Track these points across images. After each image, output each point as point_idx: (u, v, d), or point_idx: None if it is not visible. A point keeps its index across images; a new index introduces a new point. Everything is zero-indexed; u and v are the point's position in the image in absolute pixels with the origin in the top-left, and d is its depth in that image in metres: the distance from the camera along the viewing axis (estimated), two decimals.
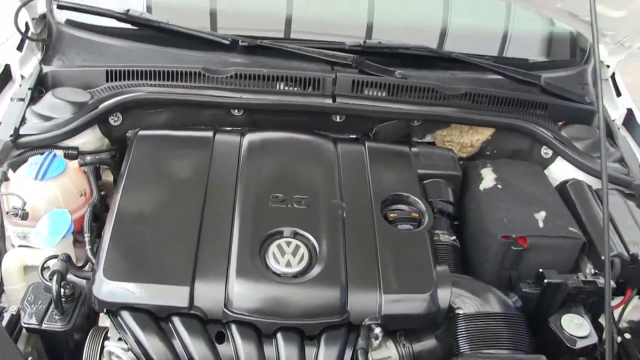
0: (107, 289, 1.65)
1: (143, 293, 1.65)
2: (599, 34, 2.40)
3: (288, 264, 1.72)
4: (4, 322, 1.66)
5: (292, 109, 2.30)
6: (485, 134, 2.40)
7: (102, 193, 2.13)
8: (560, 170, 2.34)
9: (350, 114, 2.32)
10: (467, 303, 1.80)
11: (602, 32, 2.41)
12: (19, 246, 1.90)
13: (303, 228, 1.82)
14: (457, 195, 2.22)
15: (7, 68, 2.34)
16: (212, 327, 1.66)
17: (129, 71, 2.25)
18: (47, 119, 2.12)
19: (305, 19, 2.74)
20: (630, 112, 2.60)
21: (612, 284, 1.90)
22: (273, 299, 1.67)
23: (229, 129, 2.25)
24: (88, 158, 2.09)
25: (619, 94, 2.63)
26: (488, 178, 2.20)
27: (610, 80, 2.66)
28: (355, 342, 1.67)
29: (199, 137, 2.15)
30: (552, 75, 2.55)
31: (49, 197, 1.91)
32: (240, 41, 2.39)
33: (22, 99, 2.16)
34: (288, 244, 1.78)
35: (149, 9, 2.68)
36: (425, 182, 2.17)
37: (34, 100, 2.19)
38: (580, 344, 1.78)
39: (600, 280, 1.87)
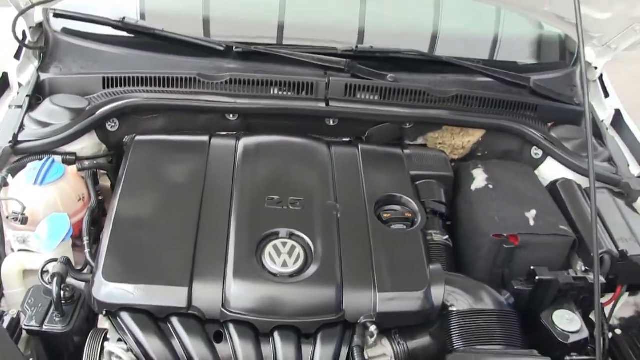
0: (107, 290, 1.68)
1: (142, 294, 1.67)
2: (586, 36, 2.46)
3: (284, 264, 1.75)
4: (4, 326, 1.69)
5: (286, 113, 2.33)
6: (476, 135, 2.44)
7: (100, 198, 2.15)
8: (551, 170, 2.38)
9: (344, 117, 2.36)
10: (460, 300, 1.83)
11: (589, 34, 2.45)
12: (19, 250, 1.92)
13: (298, 229, 1.85)
14: (449, 195, 2.25)
15: (4, 76, 2.38)
16: (210, 326, 1.68)
17: (125, 78, 2.29)
18: (45, 125, 2.15)
19: (298, 26, 2.78)
20: (618, 113, 2.64)
21: (602, 280, 1.92)
22: (270, 298, 1.69)
23: (224, 133, 2.28)
24: (86, 163, 2.13)
25: (607, 95, 2.68)
26: (479, 178, 2.24)
27: (598, 81, 2.70)
28: (351, 340, 1.69)
29: (195, 141, 2.18)
30: (541, 77, 2.60)
31: (48, 202, 1.94)
32: (234, 47, 2.43)
33: (20, 106, 2.20)
34: (284, 244, 1.80)
35: (142, 16, 2.72)
36: (417, 183, 2.20)
37: (31, 107, 2.22)
38: (571, 339, 1.81)
39: (591, 277, 1.89)
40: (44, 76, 2.34)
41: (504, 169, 2.32)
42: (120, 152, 2.22)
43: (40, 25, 2.44)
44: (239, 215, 1.88)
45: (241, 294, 1.69)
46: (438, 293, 1.78)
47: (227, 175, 2.02)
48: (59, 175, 1.97)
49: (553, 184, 2.29)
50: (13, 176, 1.99)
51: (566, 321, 1.83)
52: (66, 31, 2.50)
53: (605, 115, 2.63)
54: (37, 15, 2.40)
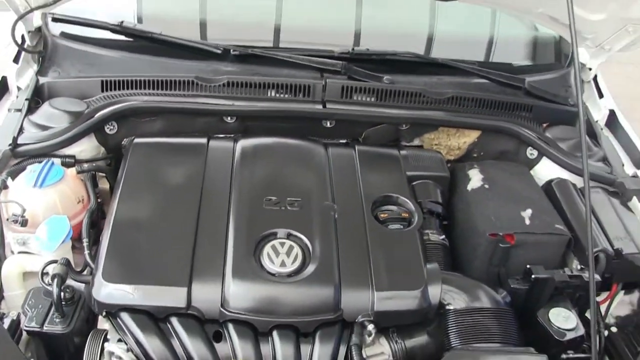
0: (106, 291, 1.69)
1: (141, 294, 1.68)
2: (580, 37, 2.48)
3: (282, 264, 1.77)
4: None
5: (283, 115, 2.35)
6: (471, 136, 2.46)
7: (99, 200, 2.16)
8: (546, 170, 2.40)
9: (340, 119, 2.38)
10: (457, 299, 1.85)
11: (583, 35, 2.48)
12: (19, 252, 1.93)
13: (296, 229, 1.87)
14: (445, 195, 2.27)
15: (3, 80, 2.39)
16: (209, 326, 1.69)
17: (123, 81, 2.31)
18: (45, 128, 2.17)
19: (294, 28, 2.80)
20: (612, 113, 2.67)
21: (598, 277, 1.95)
22: (268, 298, 1.71)
23: (222, 135, 2.29)
24: (85, 166, 2.14)
25: (601, 95, 2.70)
26: (475, 178, 2.26)
27: (592, 82, 2.72)
28: (349, 339, 1.70)
29: (194, 143, 2.19)
30: (536, 78, 2.62)
31: (48, 204, 1.95)
32: (231, 50, 2.45)
33: (20, 110, 2.21)
34: (282, 244, 1.82)
35: (139, 20, 2.74)
36: (414, 183, 2.22)
37: (31, 110, 2.24)
38: (568, 337, 1.82)
39: (586, 275, 1.91)
40: (42, 80, 2.36)
41: (500, 169, 2.34)
42: (119, 154, 2.23)
43: (39, 29, 2.46)
44: (237, 216, 1.89)
45: (240, 293, 1.70)
46: (435, 292, 1.80)
47: (225, 177, 2.04)
48: (58, 178, 1.99)
49: (548, 183, 2.31)
50: (13, 179, 2.00)
51: (562, 319, 1.85)
52: (65, 35, 2.52)
53: (599, 116, 2.65)
54: (36, 19, 2.42)
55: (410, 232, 1.97)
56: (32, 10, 2.27)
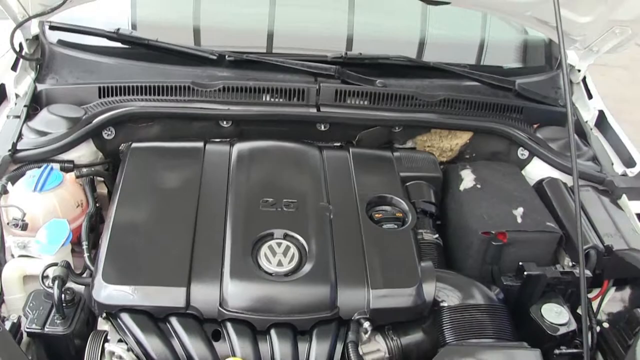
0: (107, 292, 1.72)
1: (141, 295, 1.71)
2: (569, 39, 2.53)
3: (279, 264, 1.80)
4: None
5: (278, 119, 2.39)
6: (463, 138, 2.50)
7: (97, 205, 2.19)
8: (537, 170, 2.44)
9: (334, 122, 2.41)
10: (451, 296, 1.87)
11: (572, 37, 2.53)
12: (19, 256, 1.95)
13: (293, 230, 1.90)
14: (438, 196, 2.31)
15: (1, 87, 2.42)
16: (208, 325, 1.72)
17: (120, 87, 2.34)
18: (43, 134, 2.20)
19: (287, 34, 2.83)
20: (601, 114, 2.71)
21: (589, 273, 1.98)
22: (266, 297, 1.74)
23: (218, 140, 2.32)
24: (84, 170, 2.17)
25: (590, 96, 2.75)
26: (468, 179, 2.30)
27: (581, 83, 2.77)
28: (345, 337, 1.73)
29: (190, 147, 2.23)
30: (526, 80, 2.67)
31: (48, 208, 1.98)
32: (227, 56, 2.49)
33: (18, 116, 2.24)
34: (279, 244, 1.86)
35: (134, 27, 2.76)
36: (407, 184, 2.26)
37: (29, 116, 2.27)
38: (560, 332, 1.86)
39: (578, 271, 1.94)
40: (40, 87, 2.39)
41: (492, 170, 2.37)
42: (117, 159, 2.26)
43: (36, 37, 2.50)
44: (235, 218, 1.93)
45: (238, 293, 1.73)
46: (429, 289, 1.83)
47: (222, 180, 2.07)
48: (57, 182, 2.02)
49: (539, 182, 2.35)
50: (12, 184, 2.03)
51: (554, 314, 1.89)
52: (62, 43, 2.55)
53: (589, 116, 2.70)
54: (34, 27, 2.46)
55: (404, 232, 2.01)
56: (30, 18, 2.30)
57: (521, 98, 2.59)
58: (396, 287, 1.81)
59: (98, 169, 2.25)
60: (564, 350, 1.90)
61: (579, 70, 2.73)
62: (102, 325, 1.77)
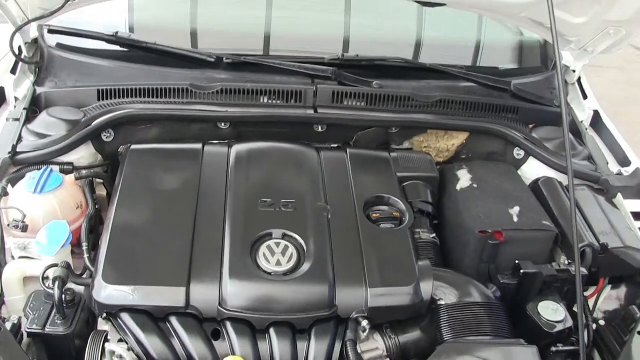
0: (107, 292, 1.73)
1: (141, 295, 1.73)
2: (564, 40, 2.55)
3: (278, 263, 1.82)
4: None
5: (276, 121, 2.41)
6: (460, 138, 2.52)
7: (97, 207, 2.20)
8: (533, 170, 2.46)
9: (332, 123, 2.43)
10: (448, 294, 1.89)
11: (567, 38, 2.55)
12: (19, 257, 1.97)
13: (291, 230, 1.92)
14: (435, 196, 2.33)
15: (1, 91, 2.44)
16: (208, 325, 1.74)
17: (119, 90, 2.36)
18: (43, 136, 2.21)
19: (283, 37, 2.85)
20: (597, 114, 2.74)
21: (584, 271, 1.99)
22: (265, 296, 1.75)
23: (216, 142, 2.34)
24: (84, 172, 2.19)
25: (585, 97, 2.77)
26: (464, 179, 2.31)
27: (577, 84, 2.79)
28: (344, 335, 1.74)
29: (189, 149, 2.24)
30: (521, 81, 2.69)
31: (48, 210, 2.00)
32: (224, 58, 2.50)
33: (18, 119, 2.26)
34: (277, 244, 1.87)
35: (131, 30, 2.78)
36: (404, 184, 2.28)
37: (29, 119, 2.28)
38: (557, 329, 1.87)
39: (574, 269, 1.95)
40: (40, 90, 2.41)
41: (488, 169, 2.40)
42: (116, 162, 2.28)
43: (35, 41, 2.51)
44: (234, 218, 1.94)
45: (237, 292, 1.74)
46: (427, 288, 1.85)
47: (221, 181, 2.09)
48: (57, 184, 2.03)
49: (535, 182, 2.37)
50: (12, 186, 2.05)
51: (551, 311, 1.90)
52: (60, 46, 2.57)
53: (584, 116, 2.72)
54: (33, 31, 2.48)
55: (401, 231, 2.02)
56: (29, 22, 2.31)
57: (517, 99, 2.61)
58: (394, 285, 1.83)
59: (97, 171, 2.27)
60: (560, 347, 1.91)
61: (574, 71, 2.75)
62: (102, 325, 1.78)
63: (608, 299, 2.18)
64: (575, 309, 2.01)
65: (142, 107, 2.33)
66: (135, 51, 2.51)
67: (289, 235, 1.91)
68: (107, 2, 2.50)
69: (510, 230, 2.07)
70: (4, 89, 2.44)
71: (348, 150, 2.33)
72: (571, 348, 1.91)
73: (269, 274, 1.80)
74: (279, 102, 2.43)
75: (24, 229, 1.93)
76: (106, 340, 1.72)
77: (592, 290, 2.15)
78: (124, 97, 2.36)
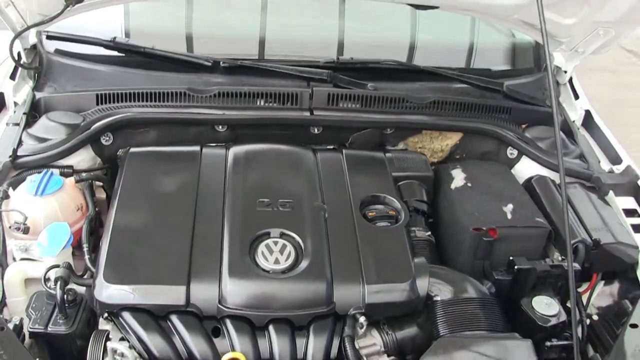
0: (108, 292, 1.75)
1: (142, 294, 1.75)
2: (555, 41, 2.59)
3: (276, 261, 1.84)
4: None
5: (272, 123, 2.44)
6: (454, 138, 2.56)
7: (96, 209, 2.22)
8: (526, 168, 2.50)
9: (327, 125, 2.47)
10: (444, 290, 1.92)
11: (557, 39, 2.59)
12: (21, 259, 2.00)
13: (289, 228, 1.94)
14: (430, 195, 2.36)
15: (0, 96, 2.47)
16: (208, 323, 1.76)
17: (118, 94, 2.39)
18: (43, 140, 2.24)
19: (278, 41, 2.88)
20: (588, 114, 2.78)
21: (577, 266, 2.03)
22: (264, 293, 1.78)
23: (214, 144, 2.36)
24: (84, 175, 2.21)
25: (576, 97, 2.81)
26: (458, 178, 2.35)
27: (568, 84, 2.84)
28: (342, 331, 1.77)
29: (187, 151, 2.28)
30: (514, 82, 2.73)
31: (49, 212, 2.02)
32: (221, 62, 2.54)
33: (17, 124, 2.29)
34: (275, 243, 1.90)
35: (127, 35, 2.81)
36: (399, 183, 2.31)
37: (28, 124, 2.31)
38: (551, 322, 1.90)
39: (567, 264, 1.99)
40: (39, 95, 2.44)
41: (482, 169, 2.43)
42: (115, 165, 2.31)
43: (34, 47, 2.55)
44: (232, 218, 1.97)
45: (236, 290, 1.77)
46: (423, 284, 1.87)
47: (219, 182, 2.12)
48: (58, 187, 2.06)
49: (528, 180, 2.41)
50: (13, 189, 2.07)
51: (545, 306, 1.93)
52: (59, 52, 2.60)
53: (576, 116, 2.77)
54: (32, 37, 2.51)
55: (397, 229, 2.05)
56: (28, 27, 2.34)
57: (509, 99, 2.65)
58: (390, 282, 1.85)
59: (97, 174, 2.29)
60: (555, 342, 1.94)
61: (566, 72, 2.80)
62: (103, 325, 1.80)
63: (601, 295, 2.22)
64: (568, 304, 2.04)
65: (140, 110, 2.36)
66: (133, 56, 2.54)
67: (287, 234, 1.94)
68: (102, 8, 2.53)
69: (504, 227, 2.11)
70: (4, 94, 2.47)
71: (344, 151, 2.36)
72: (565, 343, 1.94)
73: (268, 272, 1.82)
74: (275, 104, 2.47)
75: (25, 231, 1.96)
76: (108, 339, 1.74)
77: (585, 286, 2.19)
78: (122, 101, 2.39)
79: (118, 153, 2.34)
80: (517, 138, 2.52)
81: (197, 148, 2.27)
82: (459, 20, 2.97)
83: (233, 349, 1.72)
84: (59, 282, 1.77)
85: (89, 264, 1.94)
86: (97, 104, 2.39)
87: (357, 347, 1.77)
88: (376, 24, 2.99)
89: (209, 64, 2.52)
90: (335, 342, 1.76)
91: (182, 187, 2.10)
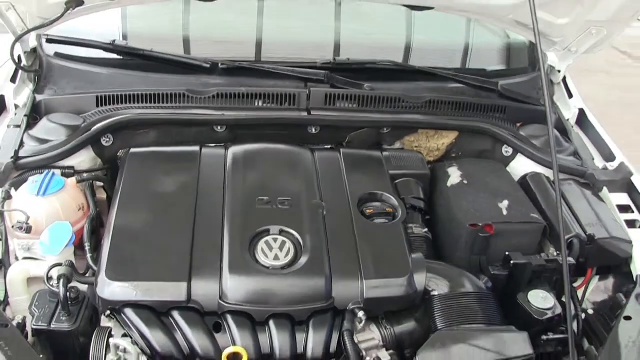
0: (110, 289, 1.78)
1: (144, 291, 1.77)
2: (549, 41, 2.63)
3: (276, 258, 1.87)
4: None
5: (271, 123, 2.47)
6: (450, 137, 2.59)
7: (97, 209, 2.25)
8: (521, 166, 2.53)
9: (325, 124, 2.50)
10: (441, 285, 1.94)
11: (551, 39, 2.62)
12: (23, 258, 2.02)
13: (288, 226, 1.97)
14: (426, 192, 2.39)
15: (1, 99, 2.50)
16: (209, 318, 1.78)
17: (118, 96, 2.42)
18: (44, 142, 2.27)
19: (274, 43, 2.91)
20: (582, 112, 2.82)
21: (572, 261, 2.06)
22: (264, 289, 1.81)
23: (213, 145, 2.39)
24: (85, 175, 2.24)
25: (570, 95, 2.85)
26: (454, 175, 2.38)
27: (562, 83, 2.87)
28: (341, 326, 1.79)
29: (187, 151, 2.30)
30: (509, 81, 2.76)
31: (51, 211, 2.05)
32: (219, 64, 2.57)
33: (19, 126, 2.32)
34: (275, 240, 1.93)
35: (124, 37, 2.84)
36: (396, 181, 2.34)
37: (29, 126, 2.34)
38: (547, 316, 1.92)
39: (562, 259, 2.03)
40: (39, 97, 2.47)
41: (477, 166, 2.47)
42: (115, 166, 2.33)
43: (34, 50, 2.58)
44: (232, 216, 2.00)
45: (237, 286, 1.79)
46: (420, 279, 1.90)
47: (219, 180, 2.15)
48: (59, 187, 2.09)
49: (523, 177, 2.44)
50: (15, 190, 2.10)
51: (541, 299, 1.95)
52: (59, 55, 2.63)
53: (570, 115, 2.80)
54: (32, 40, 2.54)
55: (395, 225, 2.08)
56: (29, 31, 2.37)
57: (504, 98, 2.68)
58: (388, 277, 1.88)
59: (98, 174, 2.32)
60: (551, 336, 1.96)
61: (559, 71, 2.83)
62: (106, 323, 1.82)
63: (596, 290, 2.24)
64: (564, 299, 2.07)
65: (140, 112, 2.39)
66: (132, 58, 2.57)
67: (286, 231, 1.96)
68: (100, 11, 2.56)
69: (500, 223, 2.13)
70: (4, 97, 2.50)
71: (341, 150, 2.39)
72: (561, 336, 1.96)
73: (268, 268, 1.85)
74: (273, 105, 2.50)
75: (28, 230, 1.98)
76: (110, 335, 1.76)
77: (580, 281, 2.21)
78: (122, 103, 2.42)
79: (118, 154, 2.37)
80: (512, 136, 2.55)
81: (196, 148, 2.30)
82: (454, 22, 3.00)
83: (234, 344, 1.75)
84: (62, 280, 1.79)
85: (90, 263, 1.98)
86: (97, 106, 2.42)
87: (356, 341, 1.79)
88: (372, 26, 3.03)
89: (208, 65, 2.55)
90: (335, 337, 1.79)
91: (182, 186, 2.12)
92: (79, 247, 2.09)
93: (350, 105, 2.53)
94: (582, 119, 2.80)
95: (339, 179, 2.24)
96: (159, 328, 1.75)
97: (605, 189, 2.38)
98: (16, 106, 2.47)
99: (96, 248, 2.06)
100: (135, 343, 1.74)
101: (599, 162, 2.55)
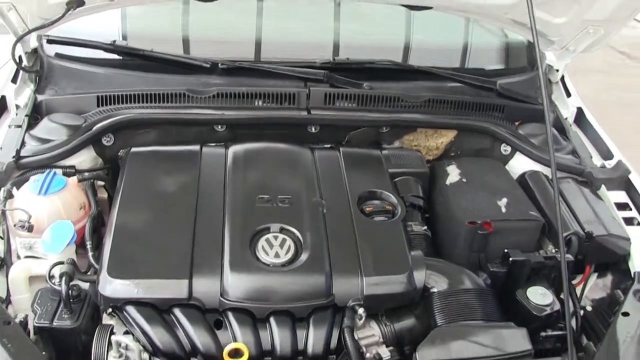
0: (112, 287, 1.79)
1: (145, 288, 1.79)
2: (546, 40, 2.65)
3: (276, 255, 1.88)
4: None
5: (270, 122, 2.49)
6: (448, 136, 2.61)
7: (98, 208, 2.26)
8: (519, 164, 2.54)
9: (324, 124, 2.51)
10: (440, 282, 1.96)
11: (549, 38, 2.64)
12: (25, 257, 2.04)
13: (288, 223, 1.99)
14: (426, 190, 2.41)
15: (2, 99, 2.51)
16: (210, 315, 1.80)
17: (118, 96, 2.43)
18: (45, 141, 2.28)
19: (274, 43, 2.93)
20: (580, 111, 2.83)
21: (570, 257, 2.08)
22: (264, 286, 1.82)
23: (213, 144, 2.40)
24: (86, 174, 2.26)
25: (568, 94, 2.87)
26: (453, 174, 2.39)
27: (560, 82, 2.89)
28: (341, 322, 1.81)
29: (188, 151, 2.32)
30: (507, 80, 2.78)
31: (52, 210, 2.06)
32: (219, 64, 2.58)
33: (20, 126, 2.33)
34: (275, 237, 1.94)
35: (124, 38, 2.85)
36: (396, 180, 2.35)
37: (30, 126, 2.35)
38: (546, 312, 1.94)
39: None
40: (40, 97, 2.49)
41: (476, 165, 2.48)
42: (116, 165, 2.35)
43: (35, 50, 2.59)
44: (233, 214, 2.01)
45: (238, 284, 1.81)
46: (420, 276, 1.91)
47: (219, 179, 2.16)
48: (61, 186, 2.10)
49: (522, 175, 2.46)
50: (17, 189, 2.11)
51: (539, 296, 1.97)
52: (59, 55, 2.64)
53: (568, 113, 2.81)
54: (33, 41, 2.55)
55: (394, 223, 2.10)
56: (30, 31, 2.38)
57: (503, 97, 2.69)
58: (388, 274, 1.89)
59: (99, 173, 2.33)
60: (549, 332, 1.98)
61: (557, 70, 2.84)
62: (107, 321, 1.83)
63: (594, 287, 2.26)
64: (562, 296, 2.08)
65: (140, 111, 2.40)
66: (132, 59, 2.58)
67: (287, 229, 1.98)
68: (100, 12, 2.57)
69: (499, 220, 2.15)
70: (6, 97, 2.51)
71: (341, 149, 2.41)
72: (560, 333, 1.98)
73: (268, 265, 1.86)
74: (273, 104, 2.51)
75: (30, 229, 1.99)
76: (112, 333, 1.77)
77: (578, 278, 2.22)
78: (122, 102, 2.43)
79: (119, 153, 2.38)
80: (511, 135, 2.57)
81: (197, 147, 2.32)
82: (453, 21, 3.01)
83: (235, 341, 1.76)
84: (63, 278, 1.80)
85: (92, 261, 1.99)
86: (98, 106, 2.43)
87: (356, 338, 1.80)
88: (371, 26, 3.04)
89: (208, 65, 2.57)
90: (335, 333, 1.80)
91: (183, 185, 2.14)
92: (80, 245, 2.10)
93: (349, 104, 2.55)
94: (580, 118, 2.82)
95: (338, 177, 2.26)
96: (161, 325, 1.76)
97: (603, 186, 2.39)
98: (17, 106, 2.49)
99: (97, 246, 2.06)
100: (137, 340, 1.75)
101: (597, 160, 2.57)
